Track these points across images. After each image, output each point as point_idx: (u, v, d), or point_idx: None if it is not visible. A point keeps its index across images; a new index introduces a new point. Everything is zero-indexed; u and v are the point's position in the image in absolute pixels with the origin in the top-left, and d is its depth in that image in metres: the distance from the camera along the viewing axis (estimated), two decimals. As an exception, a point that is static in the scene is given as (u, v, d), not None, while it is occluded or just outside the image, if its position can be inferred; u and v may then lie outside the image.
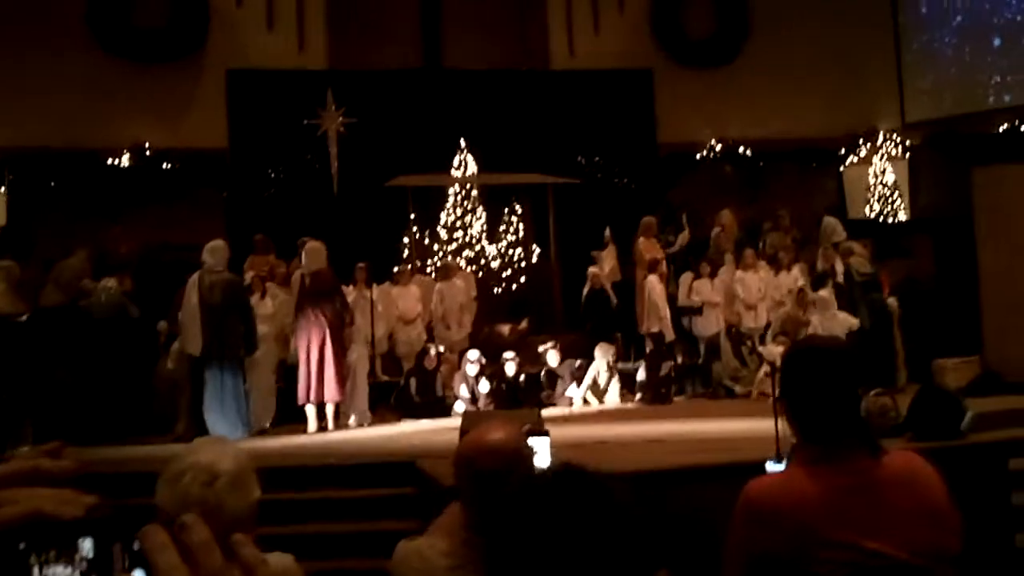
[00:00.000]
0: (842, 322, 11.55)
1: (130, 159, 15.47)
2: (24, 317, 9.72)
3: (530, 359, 12.37)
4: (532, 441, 2.74)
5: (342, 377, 10.41)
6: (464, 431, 6.79)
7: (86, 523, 0.81)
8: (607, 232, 14.21)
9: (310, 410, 10.36)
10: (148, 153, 15.49)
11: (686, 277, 13.67)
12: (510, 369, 11.78)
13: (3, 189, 15.15)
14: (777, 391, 3.32)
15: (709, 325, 13.23)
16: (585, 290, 13.52)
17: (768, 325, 12.95)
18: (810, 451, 2.42)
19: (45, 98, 15.01)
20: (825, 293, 11.99)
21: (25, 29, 15.04)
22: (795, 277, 13.42)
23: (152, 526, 0.81)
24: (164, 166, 15.49)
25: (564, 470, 1.55)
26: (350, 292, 12.10)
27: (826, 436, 2.40)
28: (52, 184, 15.02)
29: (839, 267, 13.27)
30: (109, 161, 15.36)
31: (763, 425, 7.27)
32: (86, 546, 0.81)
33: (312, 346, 10.29)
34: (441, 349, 12.24)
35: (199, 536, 0.81)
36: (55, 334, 9.07)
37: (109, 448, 9.00)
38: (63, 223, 13.98)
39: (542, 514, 1.45)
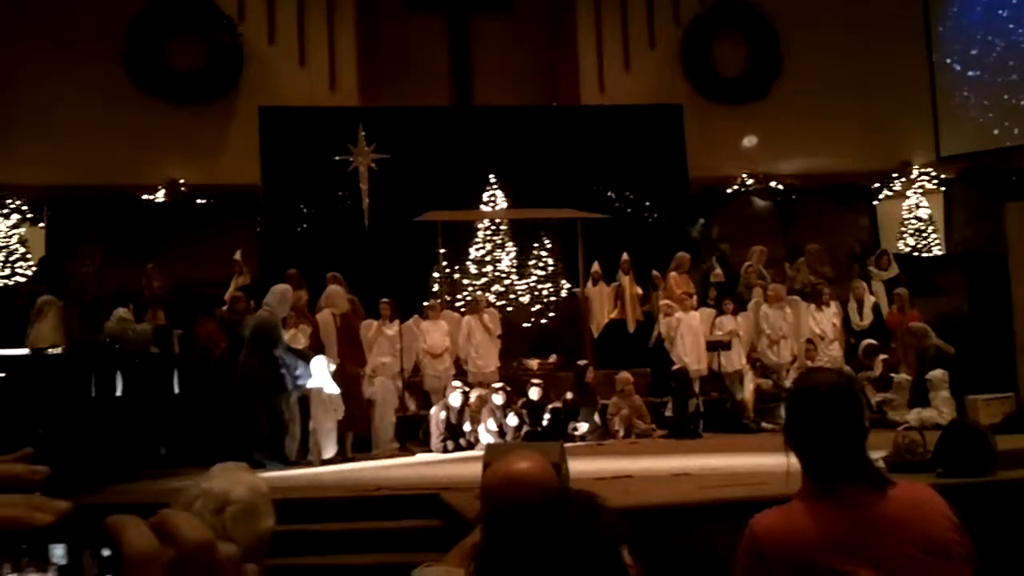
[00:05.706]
0: (948, 403, 11.37)
1: (165, 196, 15.72)
2: (60, 350, 9.87)
3: (558, 394, 12.35)
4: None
5: None
6: (487, 463, 6.73)
7: (58, 529, 0.79)
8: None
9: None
10: (183, 190, 15.73)
11: (710, 313, 13.61)
12: (533, 394, 11.86)
13: (42, 225, 15.44)
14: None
15: (733, 361, 13.16)
16: (662, 320, 13.50)
17: (793, 360, 12.85)
18: (812, 486, 2.42)
19: (83, 137, 15.34)
20: (939, 374, 11.73)
21: (64, 70, 15.37)
22: (835, 312, 13.28)
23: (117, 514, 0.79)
24: (198, 202, 15.72)
25: (558, 499, 1.52)
26: (373, 327, 12.14)
27: (828, 472, 2.39)
28: (88, 220, 15.29)
29: (867, 301, 13.14)
30: (144, 198, 15.61)
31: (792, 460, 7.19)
32: (58, 552, 0.81)
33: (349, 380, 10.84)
34: (465, 384, 12.24)
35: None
36: (92, 368, 9.21)
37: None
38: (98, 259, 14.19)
39: (518, 542, 1.44)
